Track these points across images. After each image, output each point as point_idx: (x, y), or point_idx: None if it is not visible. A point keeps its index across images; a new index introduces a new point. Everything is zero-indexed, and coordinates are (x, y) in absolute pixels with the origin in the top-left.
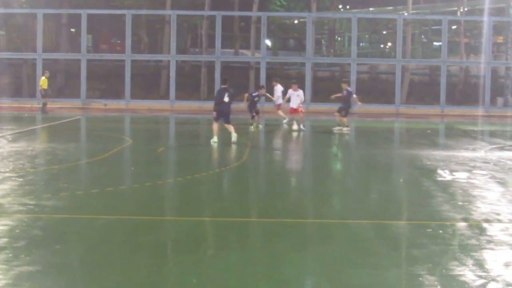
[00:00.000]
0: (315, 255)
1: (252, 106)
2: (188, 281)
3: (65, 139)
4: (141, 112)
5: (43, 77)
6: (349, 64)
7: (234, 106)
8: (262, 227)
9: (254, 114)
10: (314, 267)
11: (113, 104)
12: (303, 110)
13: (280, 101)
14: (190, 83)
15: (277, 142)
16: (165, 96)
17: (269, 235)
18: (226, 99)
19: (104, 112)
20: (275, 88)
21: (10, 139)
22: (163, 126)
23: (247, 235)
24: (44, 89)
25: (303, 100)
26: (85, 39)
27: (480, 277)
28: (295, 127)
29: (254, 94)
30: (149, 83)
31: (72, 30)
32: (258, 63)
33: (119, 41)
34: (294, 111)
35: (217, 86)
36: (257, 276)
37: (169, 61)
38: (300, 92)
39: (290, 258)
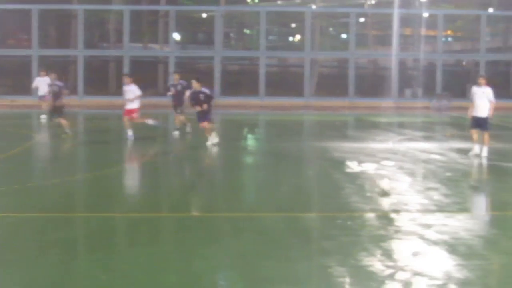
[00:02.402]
0: (225, 248)
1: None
2: (98, 277)
3: None
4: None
5: None
6: (258, 58)
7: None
8: (172, 222)
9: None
10: (225, 261)
11: (19, 100)
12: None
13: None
14: (99, 78)
15: (188, 137)
16: (74, 92)
17: (180, 229)
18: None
19: (10, 108)
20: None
21: None
22: (71, 121)
23: (157, 230)
24: None
25: (133, 98)
26: None
27: (389, 267)
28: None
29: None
30: (57, 78)
31: None
32: (167, 57)
33: (26, 36)
34: (128, 113)
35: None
36: (168, 271)
37: (77, 56)
38: (133, 86)
39: (201, 252)
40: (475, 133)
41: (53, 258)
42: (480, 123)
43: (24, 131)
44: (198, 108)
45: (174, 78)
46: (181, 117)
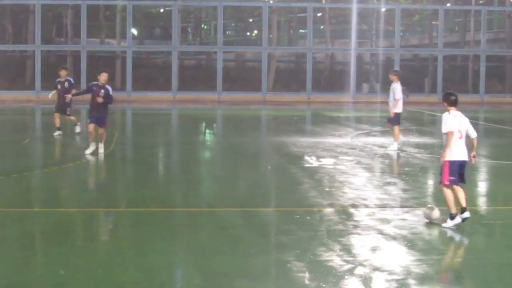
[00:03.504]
0: (183, 243)
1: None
2: (56, 272)
3: None
4: (6, 103)
5: None
6: (215, 52)
7: None
8: (129, 217)
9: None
10: (182, 256)
11: None
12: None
13: None
14: (56, 73)
15: (146, 131)
16: (31, 87)
17: (137, 224)
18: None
19: None
20: None
21: None
22: (28, 117)
23: (114, 225)
24: None
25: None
26: None
27: (348, 262)
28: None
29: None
30: (14, 73)
31: None
32: (125, 52)
33: None
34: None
35: (84, 75)
36: (125, 266)
37: (34, 51)
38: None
39: (158, 247)
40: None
41: (10, 253)
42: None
43: None
44: (99, 100)
45: (61, 74)
46: (72, 117)
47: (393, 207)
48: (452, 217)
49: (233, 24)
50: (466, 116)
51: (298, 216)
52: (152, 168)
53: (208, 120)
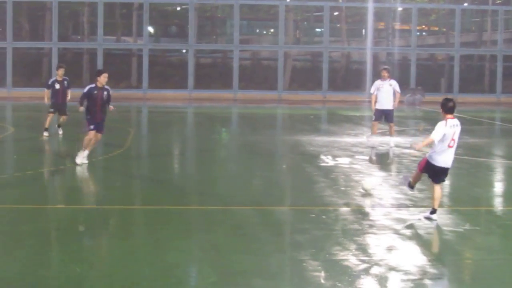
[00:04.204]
0: (198, 241)
1: None
2: (71, 269)
3: None
4: (23, 100)
5: None
6: (231, 51)
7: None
8: (145, 215)
9: None
10: (198, 254)
11: None
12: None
13: None
14: (72, 70)
15: (161, 129)
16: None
17: (152, 222)
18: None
19: None
20: None
21: None
22: (45, 114)
23: (130, 223)
24: None
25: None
26: None
27: (363, 261)
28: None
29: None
30: (30, 70)
31: None
32: (141, 50)
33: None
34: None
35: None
36: (141, 264)
37: (51, 48)
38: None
39: (174, 245)
40: (376, 125)
41: (26, 250)
42: (386, 115)
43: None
44: (111, 108)
45: (58, 74)
46: (64, 117)
47: (409, 206)
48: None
49: (249, 23)
50: (482, 116)
51: (313, 215)
52: (167, 166)
53: (224, 118)
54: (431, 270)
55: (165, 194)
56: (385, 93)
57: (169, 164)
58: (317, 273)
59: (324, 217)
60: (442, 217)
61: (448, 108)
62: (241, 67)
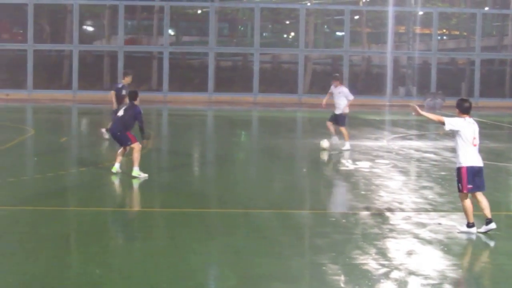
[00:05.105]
0: (218, 245)
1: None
2: (91, 271)
3: None
4: (43, 102)
5: None
6: (252, 54)
7: None
8: (165, 218)
9: None
10: (218, 257)
11: (15, 94)
12: None
13: None
14: (93, 72)
15: (181, 132)
16: (68, 86)
17: (172, 225)
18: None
19: (5, 102)
20: None
21: None
22: (65, 116)
23: (150, 225)
24: None
25: None
26: None
27: (383, 265)
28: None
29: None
30: (51, 72)
31: None
32: (161, 53)
33: (21, 31)
34: None
35: (120, 76)
36: (161, 266)
37: (71, 50)
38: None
39: (194, 248)
40: (331, 125)
41: (47, 251)
42: (337, 120)
43: (21, 125)
44: None
45: (125, 80)
46: None
47: (429, 211)
48: (469, 226)
49: (269, 26)
50: (503, 121)
51: (333, 219)
52: (187, 169)
53: (244, 121)
54: (451, 275)
55: (185, 197)
56: (336, 98)
57: (190, 167)
58: (337, 277)
59: (344, 221)
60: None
61: (464, 108)
62: (261, 70)
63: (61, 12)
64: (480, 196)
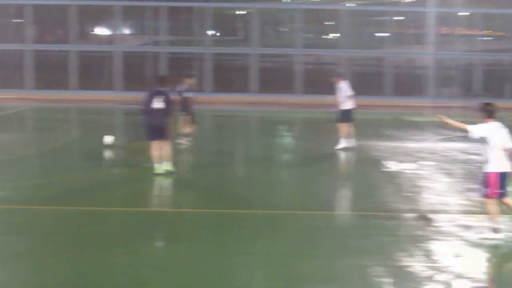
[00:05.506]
0: (263, 245)
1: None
2: (137, 271)
3: (13, 130)
4: (88, 102)
5: None
6: (294, 55)
7: None
8: (210, 218)
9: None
10: (262, 258)
11: (59, 94)
12: None
13: None
14: (137, 73)
15: (225, 133)
16: (112, 87)
17: (217, 225)
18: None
19: (48, 102)
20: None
21: None
22: (111, 117)
23: (195, 225)
24: None
25: None
26: (30, 30)
27: (429, 268)
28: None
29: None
30: (95, 73)
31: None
32: (204, 54)
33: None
34: None
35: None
36: (207, 267)
37: (115, 51)
38: None
39: (239, 249)
40: (344, 126)
41: (94, 251)
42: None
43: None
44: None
45: (188, 82)
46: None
47: (475, 213)
48: (496, 231)
49: (311, 27)
50: None
51: (378, 221)
52: (232, 169)
53: (288, 122)
54: (499, 278)
55: (230, 197)
56: (337, 94)
57: (234, 167)
58: (381, 279)
59: (388, 222)
60: (507, 224)
61: (488, 112)
62: (304, 72)
63: (106, 13)
64: (508, 200)
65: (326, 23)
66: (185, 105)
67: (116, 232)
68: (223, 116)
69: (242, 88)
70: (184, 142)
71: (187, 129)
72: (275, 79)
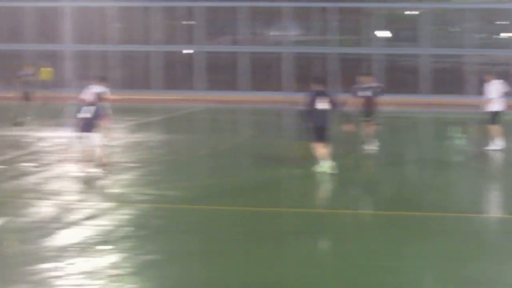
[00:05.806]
0: (433, 248)
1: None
2: (305, 271)
3: (185, 131)
4: (256, 103)
5: (46, 69)
6: (465, 56)
7: None
8: (381, 220)
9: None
10: (432, 260)
11: (228, 96)
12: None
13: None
14: (306, 74)
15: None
16: (281, 88)
17: (388, 227)
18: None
19: (218, 103)
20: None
21: (131, 129)
22: (281, 118)
23: (365, 227)
24: (43, 81)
25: None
26: (200, 32)
27: None
28: None
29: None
30: (264, 75)
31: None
32: (372, 55)
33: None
34: None
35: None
36: (374, 268)
37: (284, 53)
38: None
39: (408, 250)
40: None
41: (265, 251)
42: None
43: (235, 126)
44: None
45: (365, 81)
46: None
47: None
48: None
49: (482, 27)
50: None
51: None
52: (405, 171)
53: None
54: None
55: (402, 199)
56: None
57: (407, 169)
58: None
59: None
60: None
61: None
62: (477, 72)
63: (275, 14)
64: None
65: (496, 22)
66: (368, 107)
67: (285, 233)
68: (398, 117)
69: (414, 89)
70: (372, 148)
71: (369, 133)
72: (446, 80)
